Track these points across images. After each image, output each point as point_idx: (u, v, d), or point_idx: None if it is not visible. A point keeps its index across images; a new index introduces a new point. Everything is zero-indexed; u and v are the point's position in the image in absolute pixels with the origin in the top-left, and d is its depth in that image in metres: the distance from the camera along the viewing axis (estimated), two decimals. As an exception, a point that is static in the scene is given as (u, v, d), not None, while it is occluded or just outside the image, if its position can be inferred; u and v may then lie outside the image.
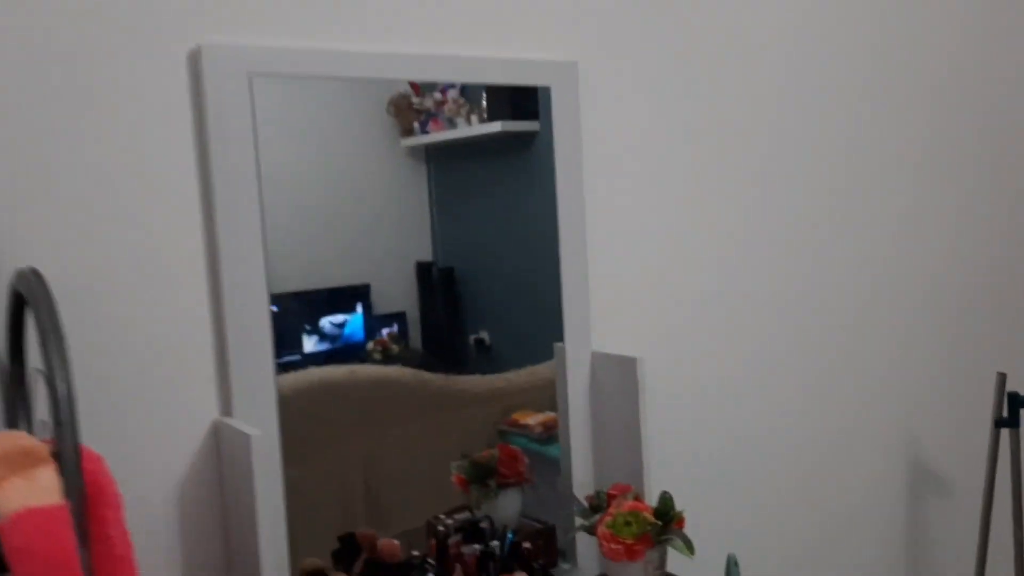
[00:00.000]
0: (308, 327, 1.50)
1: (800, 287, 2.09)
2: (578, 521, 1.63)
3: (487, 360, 1.68)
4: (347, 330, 1.57)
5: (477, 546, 1.61)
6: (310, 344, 1.50)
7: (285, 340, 1.45)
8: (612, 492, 1.63)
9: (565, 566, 1.74)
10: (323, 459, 1.50)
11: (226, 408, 1.36)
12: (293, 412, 1.45)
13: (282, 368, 1.44)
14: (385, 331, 1.59)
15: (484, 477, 1.68)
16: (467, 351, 1.66)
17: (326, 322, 1.53)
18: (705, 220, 1.91)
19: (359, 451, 1.54)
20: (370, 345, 1.58)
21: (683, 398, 1.91)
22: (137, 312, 1.30)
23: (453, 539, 1.61)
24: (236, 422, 1.33)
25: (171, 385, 1.34)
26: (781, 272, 2.05)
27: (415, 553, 1.58)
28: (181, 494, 1.34)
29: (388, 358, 1.58)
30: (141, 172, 1.30)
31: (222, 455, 1.34)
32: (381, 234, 1.54)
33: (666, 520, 1.59)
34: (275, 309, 1.43)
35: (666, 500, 1.58)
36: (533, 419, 1.73)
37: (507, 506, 1.73)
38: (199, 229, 1.34)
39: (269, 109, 1.39)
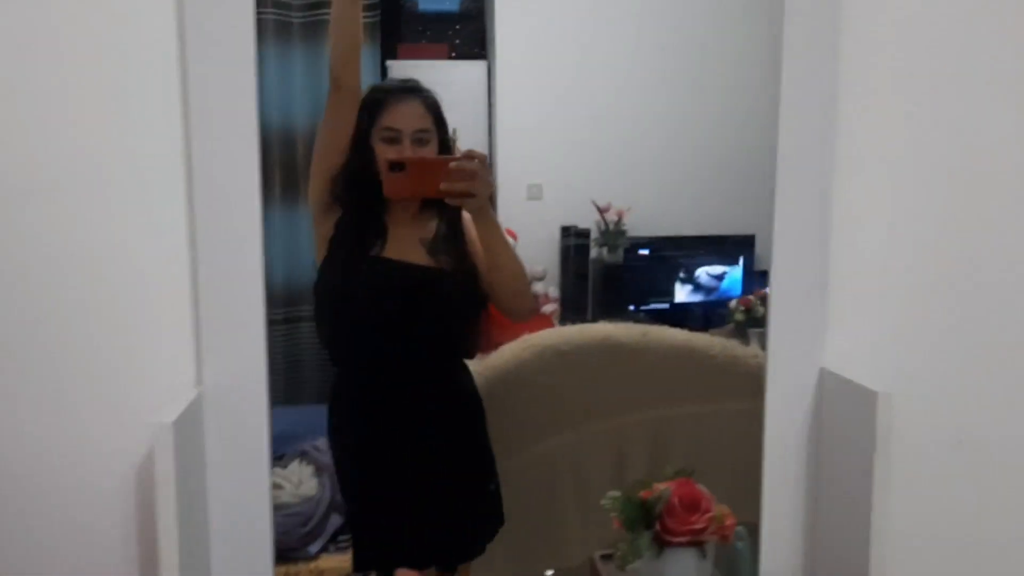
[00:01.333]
0: (683, 275, 1.49)
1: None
2: None
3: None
4: (725, 283, 1.44)
5: None
6: (683, 293, 1.49)
7: (656, 287, 1.51)
8: None
9: None
10: (582, 429, 1.41)
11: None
12: (568, 366, 1.38)
13: (651, 315, 1.51)
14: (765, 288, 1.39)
15: (641, 526, 1.16)
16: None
17: (703, 272, 1.47)
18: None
19: (632, 424, 1.37)
20: (733, 303, 1.40)
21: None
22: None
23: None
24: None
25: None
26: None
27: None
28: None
29: (751, 320, 1.37)
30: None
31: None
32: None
33: None
34: (646, 252, 1.52)
35: None
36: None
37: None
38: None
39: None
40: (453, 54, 1.72)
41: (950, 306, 1.28)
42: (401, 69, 1.63)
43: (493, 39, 1.71)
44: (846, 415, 1.13)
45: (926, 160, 1.26)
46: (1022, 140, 1.27)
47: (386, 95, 1.28)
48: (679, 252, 1.46)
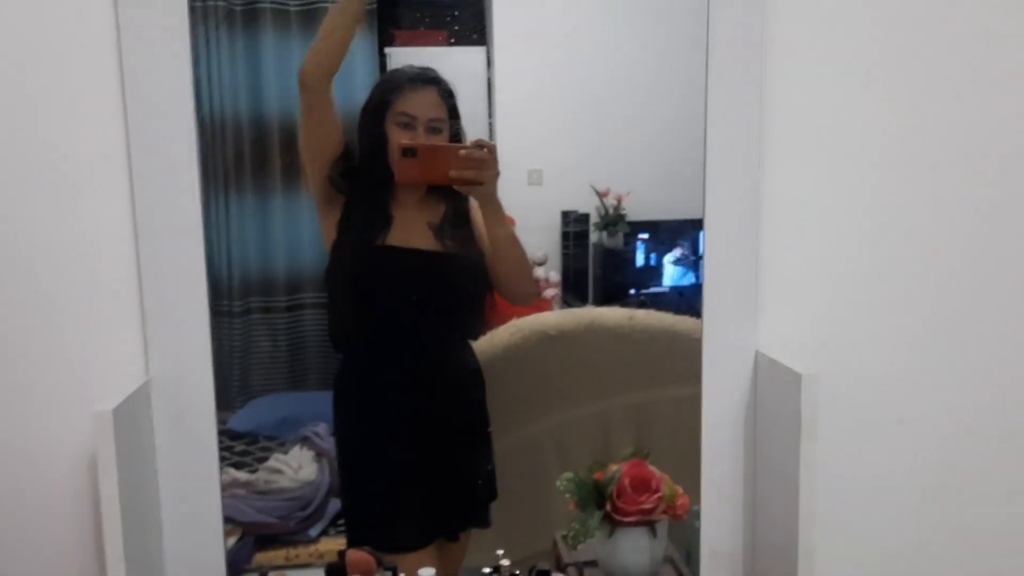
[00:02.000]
0: (682, 258, 1.48)
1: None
2: None
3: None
4: None
5: None
6: (683, 277, 1.48)
7: (656, 270, 1.50)
8: None
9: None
10: (571, 411, 1.41)
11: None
12: (555, 350, 1.42)
13: (651, 299, 1.50)
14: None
15: (597, 507, 1.16)
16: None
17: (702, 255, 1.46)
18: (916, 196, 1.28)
19: (619, 407, 1.37)
20: None
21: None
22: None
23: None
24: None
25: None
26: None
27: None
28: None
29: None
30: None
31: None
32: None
33: None
34: (645, 236, 1.51)
35: None
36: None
37: (624, 555, 1.15)
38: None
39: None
40: (452, 40, 1.72)
41: (884, 286, 1.29)
42: (399, 56, 1.63)
43: (491, 24, 1.71)
44: (777, 397, 1.13)
45: (853, 145, 1.25)
46: (950, 122, 1.25)
47: (404, 81, 1.33)
48: (678, 236, 1.45)
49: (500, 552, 1.24)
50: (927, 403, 1.28)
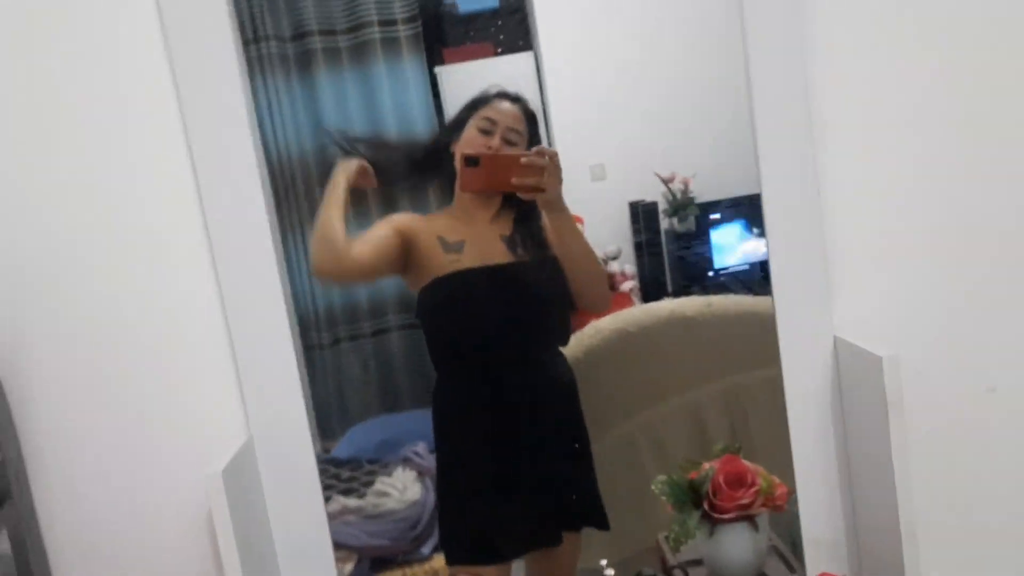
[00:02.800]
0: (758, 233, 1.46)
1: None
2: None
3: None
4: None
5: None
6: (760, 251, 1.46)
7: (733, 248, 1.49)
8: None
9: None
10: (660, 405, 1.40)
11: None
12: (637, 347, 1.41)
13: (732, 278, 1.48)
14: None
15: (691, 506, 1.14)
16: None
17: None
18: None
19: (708, 395, 1.35)
20: None
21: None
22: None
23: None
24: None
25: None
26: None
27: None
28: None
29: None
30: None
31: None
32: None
33: None
34: (716, 216, 1.49)
35: None
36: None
37: (728, 551, 1.12)
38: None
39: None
40: (499, 50, 1.74)
41: (957, 254, 1.22)
42: (450, 74, 1.66)
43: (536, 28, 1.71)
44: (860, 380, 1.09)
45: (911, 111, 1.19)
46: (1020, 79, 1.18)
47: (494, 95, 1.38)
48: (750, 211, 1.43)
49: (604, 562, 1.25)
50: (1018, 367, 1.22)
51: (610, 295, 1.47)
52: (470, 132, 1.35)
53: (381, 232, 1.36)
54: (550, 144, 1.51)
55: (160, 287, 1.20)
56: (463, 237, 1.35)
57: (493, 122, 1.34)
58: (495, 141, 1.33)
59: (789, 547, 1.25)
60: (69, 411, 1.22)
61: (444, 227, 1.37)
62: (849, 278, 1.19)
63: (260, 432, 1.20)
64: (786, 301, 1.17)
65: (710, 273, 1.48)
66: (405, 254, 1.36)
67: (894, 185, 1.20)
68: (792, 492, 1.18)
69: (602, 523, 1.39)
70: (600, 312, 1.43)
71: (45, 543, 1.25)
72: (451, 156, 1.37)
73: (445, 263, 1.34)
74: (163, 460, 1.24)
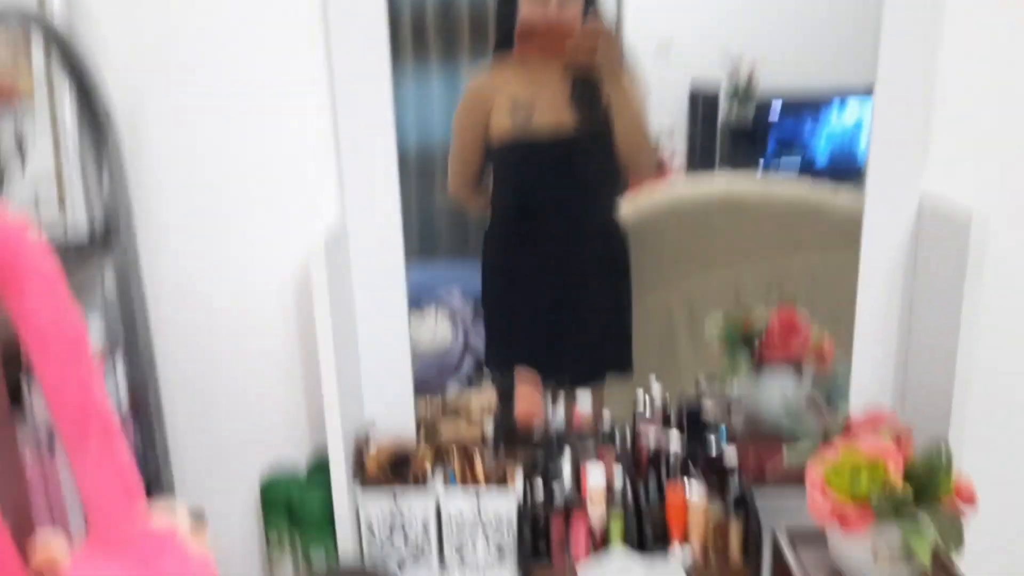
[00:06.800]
0: (816, 129, 1.46)
1: None
2: (792, 448, 1.09)
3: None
4: (858, 137, 1.41)
5: (674, 433, 1.32)
6: (816, 148, 1.46)
7: (788, 141, 1.48)
8: (859, 421, 1.03)
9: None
10: (703, 279, 1.44)
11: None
12: (687, 221, 1.44)
13: (782, 171, 1.48)
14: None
15: (744, 345, 1.21)
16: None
17: (837, 125, 1.44)
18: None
19: (751, 275, 1.38)
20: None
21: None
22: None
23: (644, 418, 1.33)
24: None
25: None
26: None
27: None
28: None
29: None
30: None
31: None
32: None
33: (923, 489, 0.95)
34: (778, 105, 1.48)
35: (934, 457, 0.96)
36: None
37: (769, 394, 1.20)
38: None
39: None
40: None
41: None
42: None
43: None
44: (942, 240, 1.12)
45: None
46: None
47: None
48: (812, 105, 1.43)
49: (641, 392, 1.34)
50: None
51: (656, 161, 1.50)
52: (522, 3, 1.36)
53: (471, 146, 1.42)
54: (619, 14, 1.50)
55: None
56: (531, 96, 1.39)
57: None
58: (552, 5, 1.34)
59: (825, 403, 1.34)
60: (179, 170, 1.34)
61: (515, 84, 1.40)
62: (946, 140, 1.21)
63: (354, 227, 1.33)
64: (881, 153, 1.20)
65: (761, 163, 1.49)
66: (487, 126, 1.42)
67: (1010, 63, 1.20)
68: (837, 351, 1.25)
69: (628, 370, 1.48)
70: (648, 178, 1.47)
71: (146, 291, 1.39)
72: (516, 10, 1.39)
73: (517, 122, 1.39)
74: (263, 231, 1.36)
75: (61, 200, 1.28)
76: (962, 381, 1.06)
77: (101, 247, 1.31)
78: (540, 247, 1.47)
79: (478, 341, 1.53)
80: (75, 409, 0.97)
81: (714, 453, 1.27)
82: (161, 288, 1.40)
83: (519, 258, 1.48)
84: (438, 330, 1.51)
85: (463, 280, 1.53)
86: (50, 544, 0.90)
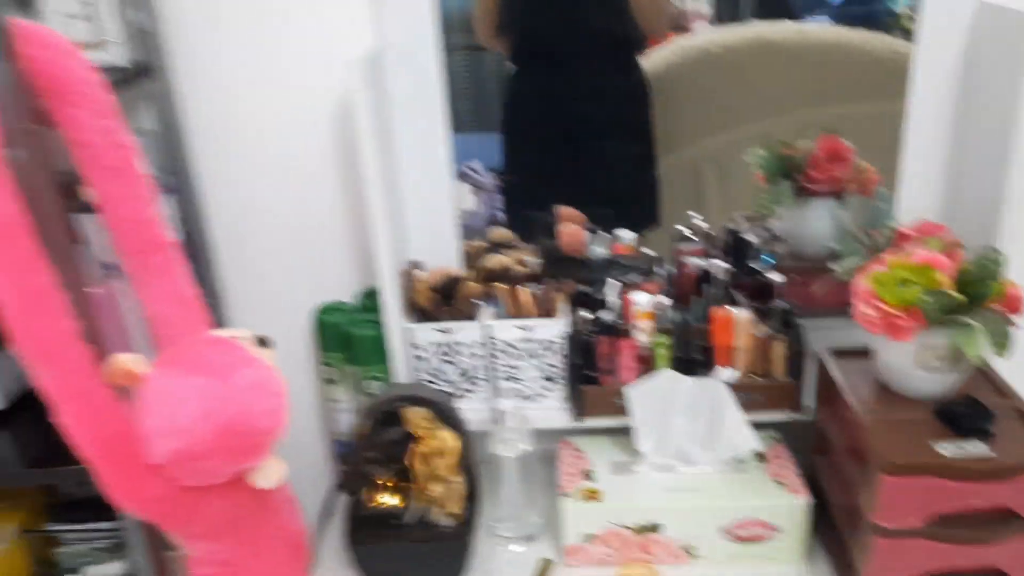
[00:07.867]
0: None
1: None
2: (839, 264, 1.09)
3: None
4: None
5: (717, 262, 1.32)
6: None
7: None
8: (910, 232, 1.03)
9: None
10: (734, 131, 1.39)
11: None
12: (719, 68, 1.37)
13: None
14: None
15: (784, 177, 1.20)
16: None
17: None
18: None
19: (785, 126, 1.33)
20: (901, 6, 1.31)
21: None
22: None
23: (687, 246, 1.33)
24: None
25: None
26: None
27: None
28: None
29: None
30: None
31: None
32: None
33: (975, 293, 0.95)
34: None
35: (988, 261, 0.96)
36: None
37: (813, 224, 1.19)
38: None
39: None
40: None
41: None
42: None
43: None
44: (998, 45, 1.09)
45: None
46: None
47: None
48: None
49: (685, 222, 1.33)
50: None
51: (672, 11, 1.45)
52: None
53: None
54: None
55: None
56: None
57: None
58: None
59: (866, 234, 1.34)
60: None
61: None
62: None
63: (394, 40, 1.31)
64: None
65: (787, 18, 1.42)
66: None
67: None
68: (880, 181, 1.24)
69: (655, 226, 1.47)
70: (657, 34, 1.41)
71: (188, 123, 1.37)
72: None
73: None
74: (303, 54, 1.36)
75: (98, 33, 1.25)
76: (1014, 193, 1.06)
77: (141, 78, 1.29)
78: (557, 98, 1.43)
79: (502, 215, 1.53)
80: (133, 224, 0.98)
81: (758, 277, 1.28)
82: (202, 124, 1.39)
83: (537, 108, 1.45)
84: (462, 201, 1.52)
85: (485, 155, 1.50)
86: (127, 360, 0.93)
